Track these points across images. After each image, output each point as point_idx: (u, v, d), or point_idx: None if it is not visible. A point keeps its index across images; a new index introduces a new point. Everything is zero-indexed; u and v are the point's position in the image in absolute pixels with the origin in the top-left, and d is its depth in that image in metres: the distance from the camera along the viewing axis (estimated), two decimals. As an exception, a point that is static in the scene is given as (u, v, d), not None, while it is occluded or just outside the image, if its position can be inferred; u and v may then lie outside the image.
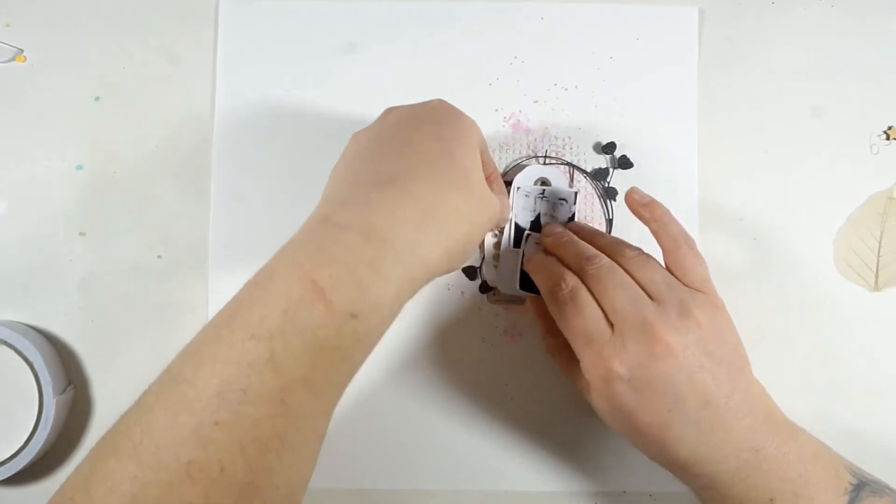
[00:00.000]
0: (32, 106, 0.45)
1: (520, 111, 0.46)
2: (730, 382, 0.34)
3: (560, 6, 0.46)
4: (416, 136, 0.33)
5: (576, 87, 0.46)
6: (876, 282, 0.46)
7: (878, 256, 0.46)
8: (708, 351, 0.34)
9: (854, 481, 0.35)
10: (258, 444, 0.25)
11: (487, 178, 0.41)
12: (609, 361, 0.34)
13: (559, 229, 0.41)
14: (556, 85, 0.46)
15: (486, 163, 0.39)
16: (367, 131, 0.35)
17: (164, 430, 0.25)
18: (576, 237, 0.40)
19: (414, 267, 0.30)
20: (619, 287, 0.35)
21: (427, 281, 0.31)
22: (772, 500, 0.34)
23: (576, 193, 0.43)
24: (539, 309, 0.42)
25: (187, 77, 0.45)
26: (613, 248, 0.38)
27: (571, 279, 0.37)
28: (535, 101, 0.46)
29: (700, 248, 0.36)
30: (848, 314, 0.45)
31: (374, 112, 0.45)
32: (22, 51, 0.45)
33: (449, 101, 0.38)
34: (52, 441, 0.42)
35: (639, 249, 0.38)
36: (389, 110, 0.36)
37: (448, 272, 0.33)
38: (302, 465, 0.28)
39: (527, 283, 0.42)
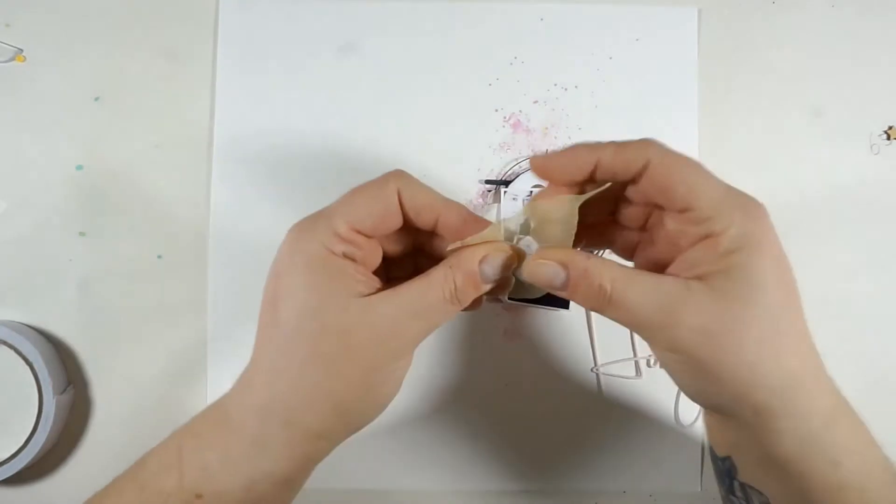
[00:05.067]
0: (32, 106, 0.45)
1: (520, 111, 0.46)
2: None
3: (560, 6, 0.46)
4: (282, 315, 0.29)
5: (576, 87, 0.46)
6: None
7: (878, 256, 0.46)
8: None
9: None
10: None
11: (421, 210, 0.32)
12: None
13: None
14: (556, 85, 0.46)
15: (415, 196, 0.31)
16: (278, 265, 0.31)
17: None
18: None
19: (259, 469, 0.29)
20: None
21: (295, 481, 0.31)
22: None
23: None
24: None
25: (187, 77, 0.45)
26: None
27: None
28: (535, 101, 0.46)
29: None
30: (848, 314, 0.45)
31: (373, 112, 0.45)
32: (22, 51, 0.45)
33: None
34: (52, 441, 0.42)
35: None
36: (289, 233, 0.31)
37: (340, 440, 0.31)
38: None
39: (518, 291, 0.42)
